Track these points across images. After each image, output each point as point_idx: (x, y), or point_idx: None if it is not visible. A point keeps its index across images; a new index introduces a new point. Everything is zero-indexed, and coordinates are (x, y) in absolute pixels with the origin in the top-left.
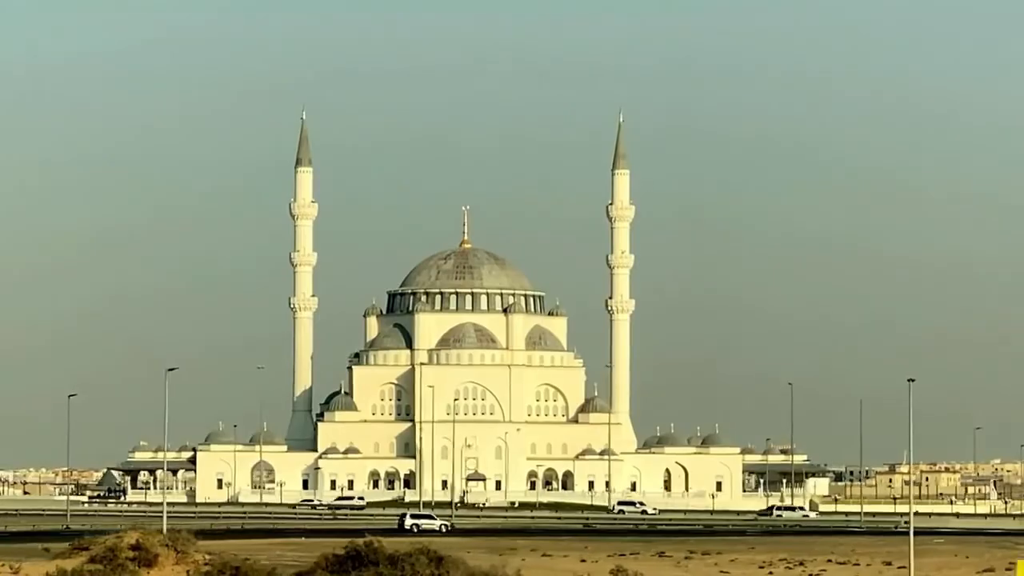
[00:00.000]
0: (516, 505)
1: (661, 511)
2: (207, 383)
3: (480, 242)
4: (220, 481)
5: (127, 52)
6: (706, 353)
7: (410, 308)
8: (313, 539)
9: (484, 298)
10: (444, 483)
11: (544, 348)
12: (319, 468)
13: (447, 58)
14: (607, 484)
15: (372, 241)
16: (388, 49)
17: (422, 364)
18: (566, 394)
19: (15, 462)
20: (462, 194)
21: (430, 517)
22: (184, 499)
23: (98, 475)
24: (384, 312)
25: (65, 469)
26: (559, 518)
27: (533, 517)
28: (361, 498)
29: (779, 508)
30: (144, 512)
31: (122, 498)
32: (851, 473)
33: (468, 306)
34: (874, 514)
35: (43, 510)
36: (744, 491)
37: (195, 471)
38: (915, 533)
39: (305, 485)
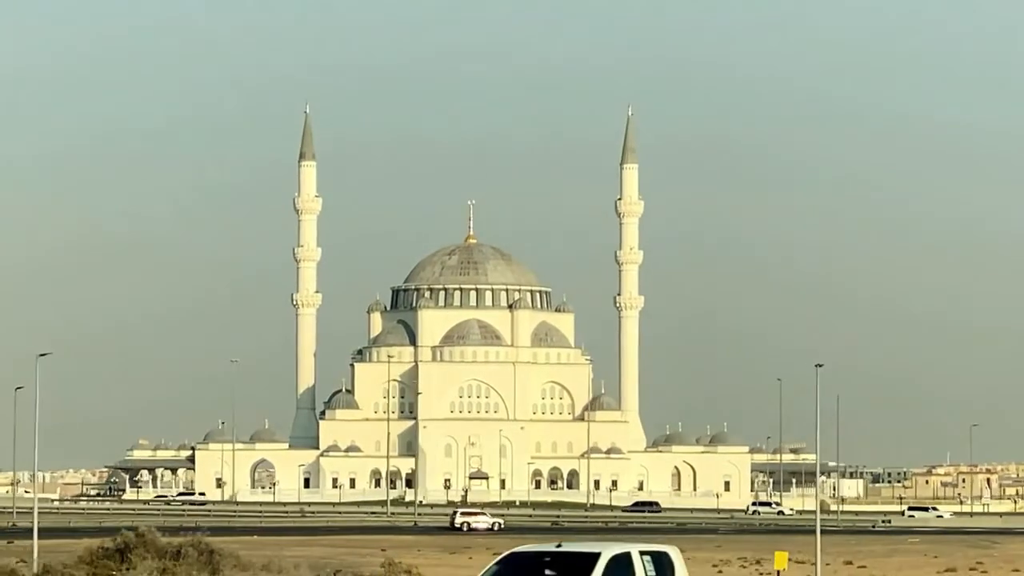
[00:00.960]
0: (518, 504)
1: (665, 509)
2: (207, 383)
3: (486, 237)
4: (219, 480)
5: (128, 46)
6: (716, 350)
7: (414, 304)
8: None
9: (489, 294)
10: (446, 482)
11: (550, 345)
12: (320, 467)
13: (452, 52)
14: (614, 483)
15: (376, 236)
16: (393, 43)
17: (426, 361)
18: (572, 392)
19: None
20: (467, 189)
21: (482, 514)
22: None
23: (80, 475)
24: (388, 308)
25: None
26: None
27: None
28: (203, 493)
29: (755, 504)
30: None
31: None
32: (888, 475)
33: (473, 302)
34: (873, 514)
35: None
36: (752, 490)
37: (194, 469)
38: (893, 532)
39: (307, 484)
